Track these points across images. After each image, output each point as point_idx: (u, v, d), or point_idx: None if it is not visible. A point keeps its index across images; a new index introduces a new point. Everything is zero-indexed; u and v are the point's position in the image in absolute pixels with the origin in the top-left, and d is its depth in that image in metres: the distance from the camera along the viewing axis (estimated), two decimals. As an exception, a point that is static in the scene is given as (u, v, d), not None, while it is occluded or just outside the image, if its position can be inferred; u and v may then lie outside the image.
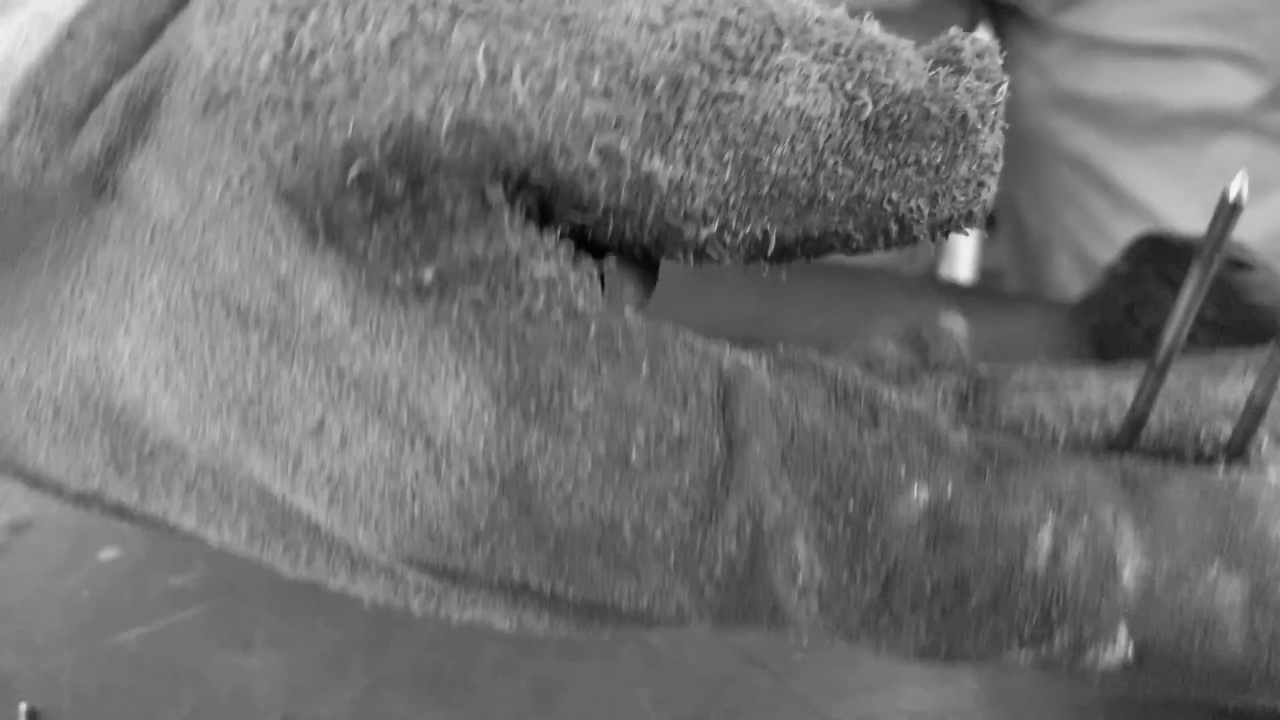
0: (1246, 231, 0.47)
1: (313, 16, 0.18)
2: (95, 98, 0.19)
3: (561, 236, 0.19)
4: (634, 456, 0.17)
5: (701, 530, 0.18)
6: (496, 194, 0.18)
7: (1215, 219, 0.19)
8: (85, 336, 0.19)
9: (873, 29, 0.20)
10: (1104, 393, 0.21)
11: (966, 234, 0.21)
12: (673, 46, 0.18)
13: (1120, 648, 0.18)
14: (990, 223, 1.53)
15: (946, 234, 0.21)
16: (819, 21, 0.19)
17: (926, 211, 0.20)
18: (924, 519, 0.17)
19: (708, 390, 0.18)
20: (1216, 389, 0.20)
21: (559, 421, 0.17)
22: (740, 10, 0.19)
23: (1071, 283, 0.67)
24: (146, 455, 0.19)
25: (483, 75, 0.17)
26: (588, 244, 0.19)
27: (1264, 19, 0.56)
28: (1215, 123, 0.59)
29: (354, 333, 0.17)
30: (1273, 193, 0.60)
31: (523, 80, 0.17)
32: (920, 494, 0.17)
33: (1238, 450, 0.19)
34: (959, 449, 0.18)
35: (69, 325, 0.19)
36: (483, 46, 0.17)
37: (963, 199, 0.20)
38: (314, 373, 0.18)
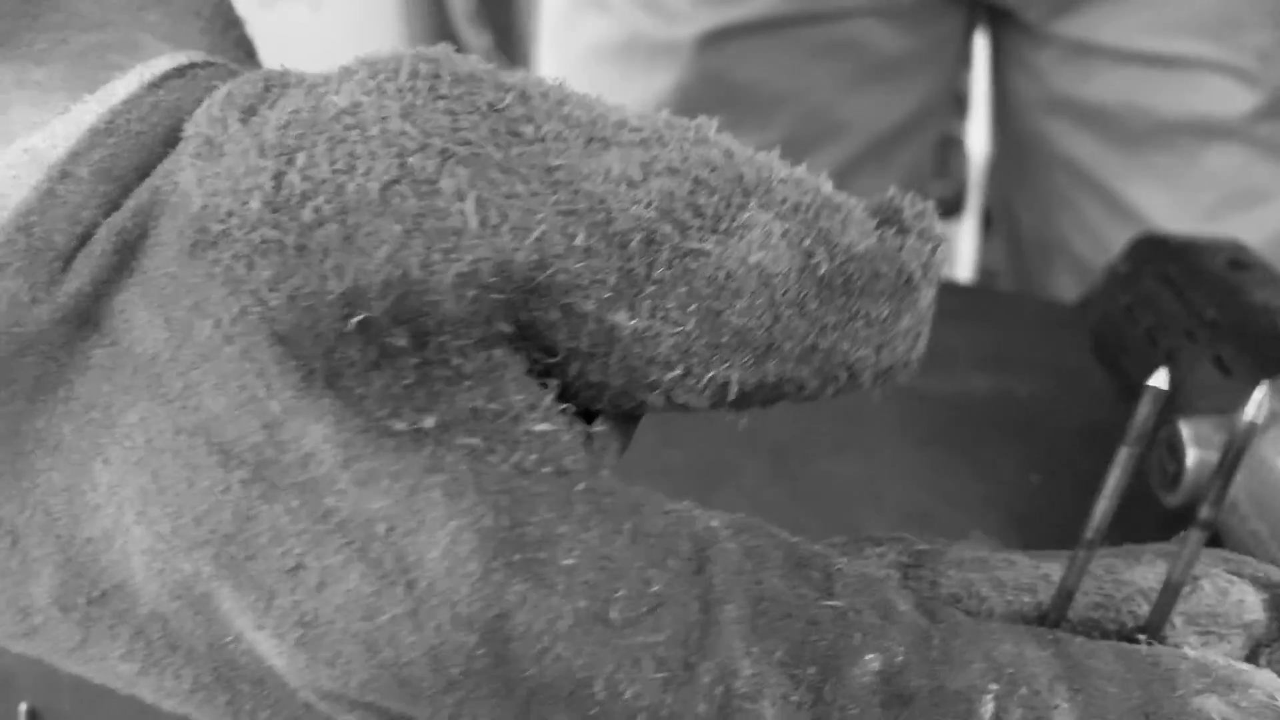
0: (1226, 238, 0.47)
1: (300, 159, 0.18)
2: (85, 237, 0.19)
3: (556, 395, 0.19)
4: (613, 614, 0.18)
5: (674, 691, 0.18)
6: (504, 350, 0.18)
7: (1142, 407, 0.20)
8: (61, 466, 0.19)
9: (828, 187, 0.21)
10: (1033, 571, 0.22)
11: (902, 381, 0.23)
12: (649, 204, 0.19)
13: None
14: (987, 223, 1.53)
15: (886, 382, 0.22)
16: (782, 180, 0.21)
17: (873, 360, 0.21)
18: (878, 684, 0.18)
19: (685, 551, 0.19)
20: (1133, 573, 0.22)
21: (544, 575, 0.18)
22: (712, 169, 0.20)
23: (1065, 285, 0.68)
24: (97, 597, 0.19)
25: (474, 224, 0.18)
26: (574, 400, 0.20)
27: (1257, 32, 0.56)
28: (1208, 132, 0.60)
29: (344, 475, 0.18)
30: (1264, 204, 0.60)
31: (511, 230, 0.18)
32: (873, 661, 0.18)
33: (1156, 628, 0.21)
34: (908, 616, 0.19)
35: (43, 454, 0.19)
36: (473, 195, 0.18)
37: (904, 348, 0.22)
38: (298, 513, 0.18)
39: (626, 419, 0.21)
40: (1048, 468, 0.46)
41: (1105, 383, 0.47)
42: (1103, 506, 0.21)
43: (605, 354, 0.19)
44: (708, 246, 0.19)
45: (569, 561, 0.18)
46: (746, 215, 0.20)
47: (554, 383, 0.19)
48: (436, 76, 0.19)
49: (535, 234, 0.18)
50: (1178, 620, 0.21)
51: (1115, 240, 0.63)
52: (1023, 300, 0.65)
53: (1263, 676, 0.20)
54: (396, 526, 0.18)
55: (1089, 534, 0.21)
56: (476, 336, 0.18)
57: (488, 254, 0.18)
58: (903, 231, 0.21)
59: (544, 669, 0.18)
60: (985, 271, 1.52)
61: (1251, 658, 0.22)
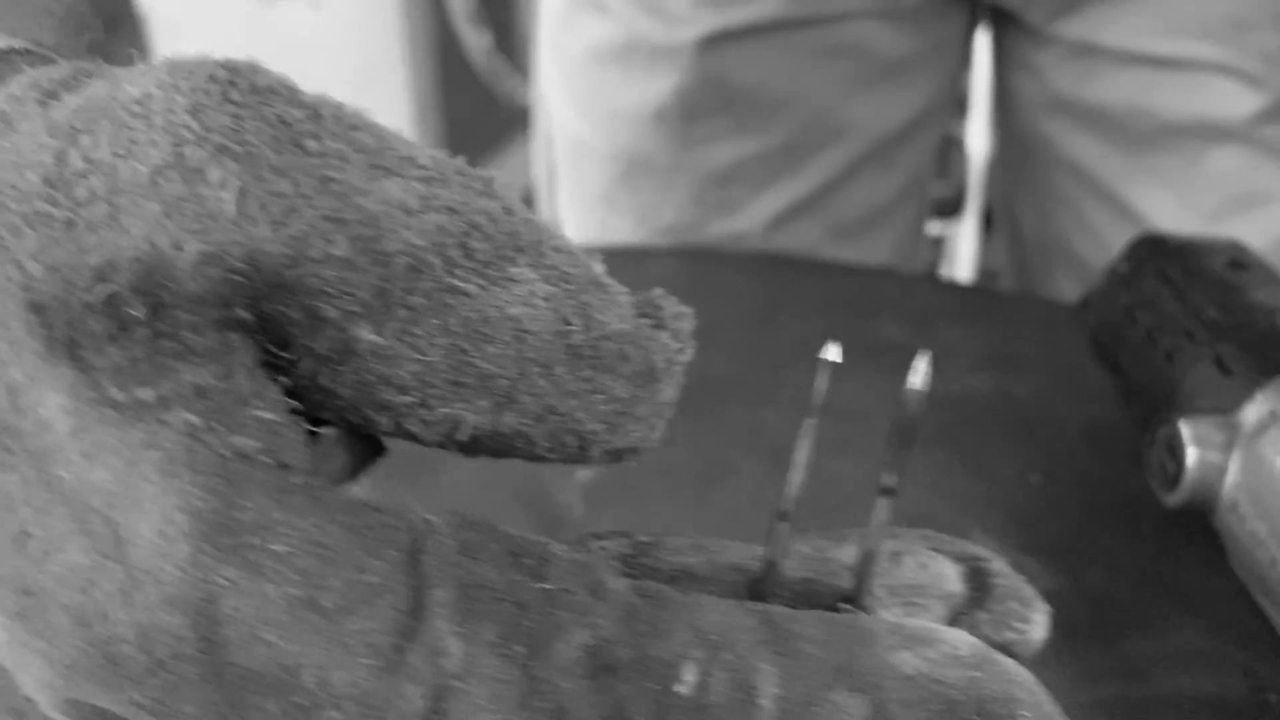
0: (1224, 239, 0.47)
1: (84, 140, 0.19)
2: None
3: (288, 394, 0.20)
4: (326, 602, 0.18)
5: (385, 676, 0.18)
6: (239, 336, 0.19)
7: (818, 379, 0.22)
8: None
9: (600, 269, 0.22)
10: (745, 552, 0.23)
11: (634, 463, 0.24)
12: (421, 232, 0.20)
13: None
14: (987, 223, 1.53)
15: (618, 460, 0.23)
16: (557, 249, 0.21)
17: (604, 436, 0.22)
18: (585, 658, 0.19)
19: (402, 543, 0.19)
20: (839, 551, 0.24)
21: (255, 560, 0.18)
22: (491, 219, 0.21)
23: (1066, 286, 0.67)
24: None
25: (231, 210, 0.18)
26: (305, 405, 0.20)
27: (1261, 34, 0.56)
28: (1211, 135, 0.59)
29: (73, 445, 0.18)
30: (1267, 206, 0.60)
31: (270, 223, 0.19)
32: (580, 636, 0.19)
33: (858, 597, 0.22)
34: (617, 595, 0.20)
35: None
36: (238, 185, 0.18)
37: (637, 434, 0.23)
38: (29, 480, 0.18)
39: (363, 443, 0.22)
40: (1048, 468, 0.46)
41: (1105, 383, 0.47)
42: (794, 478, 0.22)
43: (340, 362, 0.20)
44: (470, 288, 0.20)
45: (281, 548, 0.18)
46: (515, 270, 0.21)
47: (285, 380, 0.20)
48: (232, 84, 0.20)
49: (292, 230, 0.19)
50: (881, 593, 0.23)
51: (1117, 242, 0.63)
52: (1023, 300, 0.65)
53: (953, 634, 0.21)
54: (114, 502, 0.18)
55: (783, 505, 0.22)
56: (212, 317, 0.18)
57: (238, 239, 0.18)
58: (659, 327, 0.23)
59: (253, 655, 0.18)
60: (985, 271, 1.52)
61: (952, 626, 0.23)
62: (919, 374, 0.21)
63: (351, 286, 0.19)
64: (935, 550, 0.24)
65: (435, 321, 0.20)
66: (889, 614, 0.23)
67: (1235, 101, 0.58)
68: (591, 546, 0.23)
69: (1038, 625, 0.24)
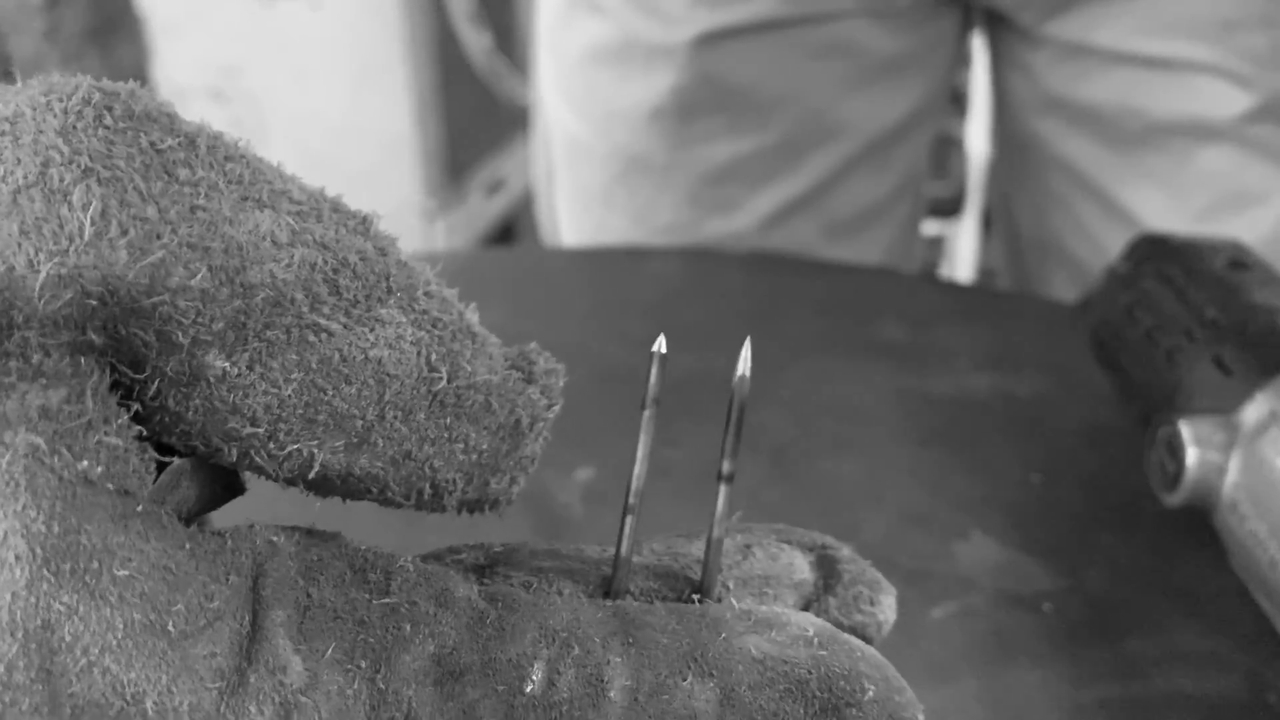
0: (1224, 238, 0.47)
1: None
2: None
3: (136, 421, 0.19)
4: (170, 626, 0.18)
5: (228, 698, 0.18)
6: (90, 360, 0.18)
7: (652, 371, 0.21)
8: None
9: (473, 318, 0.22)
10: (600, 555, 0.24)
11: (499, 515, 0.24)
12: (288, 265, 0.19)
13: None
14: (987, 223, 1.53)
15: (473, 512, 0.23)
16: (428, 294, 0.21)
17: (461, 486, 0.22)
18: (430, 666, 0.20)
19: (246, 567, 0.19)
20: (690, 546, 0.24)
21: (96, 586, 0.18)
22: (363, 259, 0.20)
23: (1060, 285, 0.68)
24: None
25: (89, 232, 0.18)
26: (152, 430, 0.20)
27: (1250, 34, 0.56)
28: (1201, 134, 0.59)
29: None
30: (1257, 205, 0.60)
31: (128, 247, 0.18)
32: (425, 645, 0.20)
33: (708, 588, 0.23)
34: (465, 601, 0.20)
35: None
36: (98, 207, 0.18)
37: (496, 487, 0.23)
38: None
39: (217, 478, 0.21)
40: (1048, 468, 0.46)
41: (1105, 383, 0.47)
42: (636, 471, 0.22)
43: (189, 386, 0.19)
44: (334, 327, 0.20)
45: (123, 573, 0.18)
46: (384, 311, 0.20)
47: (134, 406, 0.19)
48: (108, 109, 0.19)
49: (152, 257, 0.18)
50: (733, 584, 0.23)
51: (1110, 241, 0.63)
52: (1023, 300, 0.65)
53: (799, 616, 0.22)
54: None
55: (630, 499, 0.22)
56: (64, 340, 0.18)
57: (95, 264, 0.18)
58: (529, 381, 0.23)
59: (93, 684, 0.18)
60: (985, 271, 1.52)
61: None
62: (744, 361, 0.21)
63: (207, 316, 0.19)
64: (785, 541, 0.25)
65: (293, 356, 0.19)
66: (740, 600, 0.23)
67: (1225, 101, 0.58)
68: (446, 559, 0.23)
69: (886, 607, 0.25)
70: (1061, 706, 0.36)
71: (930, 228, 1.54)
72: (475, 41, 1.75)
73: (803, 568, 0.24)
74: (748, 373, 0.21)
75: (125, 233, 0.18)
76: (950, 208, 1.50)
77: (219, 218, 0.19)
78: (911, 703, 0.21)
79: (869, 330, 0.57)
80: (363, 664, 0.19)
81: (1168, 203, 0.61)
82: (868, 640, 0.24)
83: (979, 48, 0.71)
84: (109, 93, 0.20)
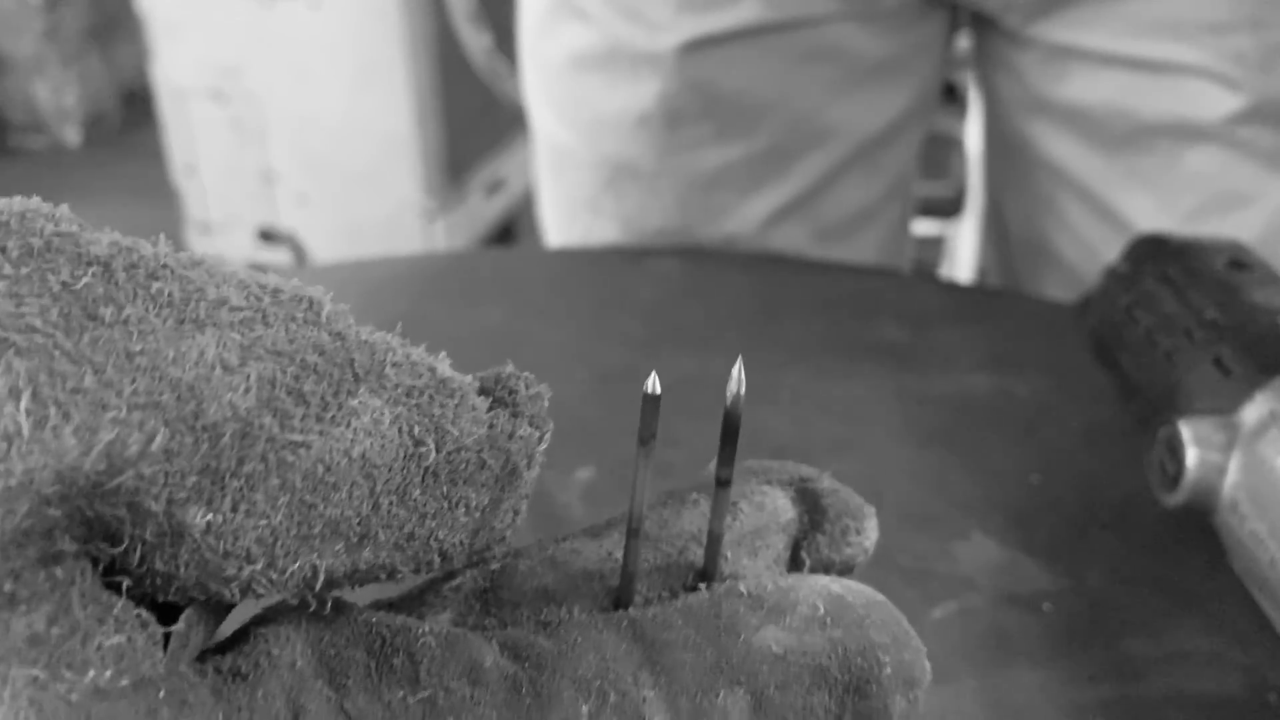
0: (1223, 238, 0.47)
1: None
2: None
3: (128, 597, 0.18)
4: None
5: None
6: (67, 566, 0.17)
7: (643, 411, 0.21)
8: None
9: (444, 368, 0.21)
10: (598, 553, 0.23)
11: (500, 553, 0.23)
12: (247, 390, 0.18)
13: None
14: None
15: (478, 561, 0.22)
16: (395, 365, 0.20)
17: (467, 545, 0.21)
18: None
19: (283, 713, 0.18)
20: (681, 521, 0.24)
21: None
22: (321, 353, 0.19)
23: (1050, 285, 0.68)
24: None
25: (27, 427, 0.16)
26: (143, 587, 0.19)
27: (1236, 37, 0.56)
28: (1189, 135, 0.60)
29: None
30: (1245, 207, 0.60)
31: (74, 432, 0.16)
32: None
33: (711, 575, 0.23)
34: (495, 672, 0.20)
35: None
36: (29, 392, 0.16)
37: (500, 526, 0.22)
38: None
39: (214, 609, 0.20)
40: (1048, 468, 0.46)
41: (1105, 383, 0.47)
42: (637, 498, 0.22)
43: (174, 545, 0.18)
44: (310, 438, 0.18)
45: None
46: (355, 401, 0.19)
47: (124, 582, 0.18)
48: (3, 250, 0.17)
49: (106, 438, 0.16)
50: (729, 551, 0.24)
51: (1098, 242, 0.63)
52: (1023, 300, 0.65)
53: (805, 588, 0.22)
54: None
55: (633, 524, 0.22)
56: (34, 557, 0.16)
57: (45, 462, 0.16)
58: (515, 415, 0.21)
59: None
60: (985, 271, 1.52)
61: (795, 557, 0.25)
62: (737, 380, 0.22)
63: (177, 474, 0.17)
64: (766, 482, 0.25)
65: (275, 482, 0.18)
66: (740, 567, 0.23)
67: (1212, 102, 0.58)
68: (446, 592, 0.22)
69: (870, 531, 0.25)
70: (1061, 707, 0.36)
71: (930, 228, 1.54)
72: (475, 41, 1.75)
73: (786, 508, 0.25)
74: (742, 390, 0.22)
75: (68, 416, 0.16)
76: (950, 208, 1.49)
77: (160, 359, 0.17)
78: (919, 654, 0.22)
79: (868, 330, 0.57)
80: None
81: (1156, 204, 0.61)
82: (853, 567, 0.25)
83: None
84: (0, 225, 0.18)
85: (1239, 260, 0.44)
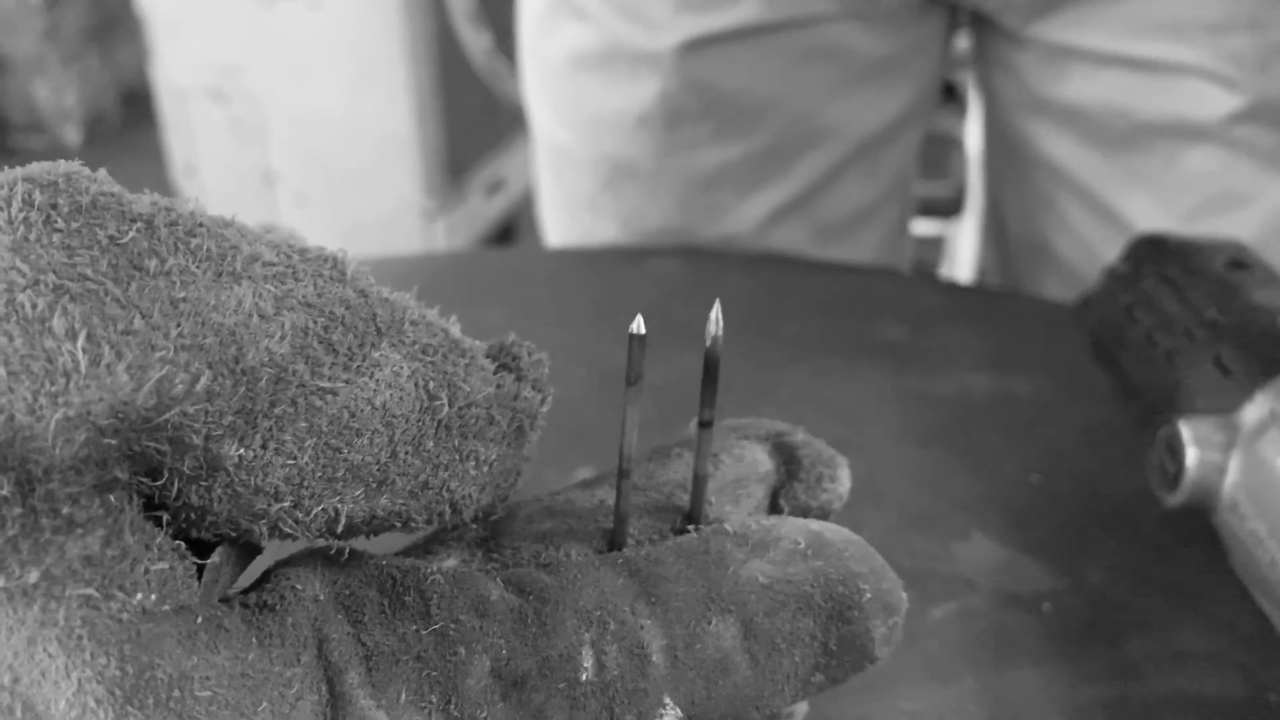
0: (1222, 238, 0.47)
1: None
2: None
3: (168, 532, 0.19)
4: None
5: None
6: (119, 494, 0.18)
7: (630, 350, 0.23)
8: None
9: (456, 330, 0.22)
10: (590, 502, 0.25)
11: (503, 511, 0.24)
12: (282, 338, 0.19)
13: (671, 712, 0.21)
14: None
15: (487, 516, 0.24)
16: (413, 323, 0.21)
17: (476, 498, 0.22)
18: (493, 682, 0.20)
19: (310, 640, 0.20)
20: (667, 472, 0.26)
21: (182, 712, 0.18)
22: (347, 307, 0.20)
23: (1049, 285, 0.68)
24: None
25: (84, 364, 0.17)
26: (180, 524, 0.20)
27: (1234, 37, 0.56)
28: (1187, 135, 0.59)
29: None
30: (1244, 205, 0.60)
31: (127, 370, 0.17)
32: (482, 662, 0.20)
33: (698, 516, 0.24)
34: (501, 605, 0.21)
35: None
36: (84, 333, 0.17)
37: (505, 486, 0.23)
38: None
39: (242, 550, 0.21)
40: (1047, 468, 0.46)
41: (1105, 383, 0.47)
42: (629, 440, 0.23)
43: (209, 478, 0.19)
44: (337, 385, 0.20)
45: (205, 693, 0.18)
46: (378, 354, 0.20)
47: (165, 516, 0.19)
48: (54, 207, 0.18)
49: (156, 375, 0.18)
50: (713, 498, 0.25)
51: (1098, 242, 0.63)
52: (1023, 300, 0.65)
53: (787, 526, 0.23)
54: (21, 677, 0.17)
55: (623, 464, 0.23)
56: (89, 483, 0.17)
57: (100, 396, 0.17)
58: (519, 379, 0.23)
59: None
60: (985, 271, 1.51)
61: (774, 506, 0.26)
62: (713, 322, 0.23)
63: (217, 412, 0.18)
64: (744, 438, 0.27)
65: (303, 424, 0.19)
66: (725, 514, 0.25)
67: (1211, 102, 0.58)
68: (449, 541, 0.24)
69: (843, 479, 0.27)
70: (1061, 706, 0.36)
71: (930, 228, 1.54)
72: (475, 41, 1.75)
73: (764, 460, 0.26)
74: (720, 332, 0.23)
75: (120, 355, 0.17)
76: (950, 208, 1.49)
77: (203, 306, 0.18)
78: (896, 584, 0.23)
79: (869, 330, 0.57)
80: (434, 698, 0.20)
81: (1155, 204, 0.61)
82: (831, 512, 0.26)
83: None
84: (46, 185, 0.18)
85: (1239, 260, 0.44)
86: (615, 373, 0.51)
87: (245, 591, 0.21)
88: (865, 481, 0.48)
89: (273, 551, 0.22)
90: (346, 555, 0.22)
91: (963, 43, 0.71)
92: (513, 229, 2.09)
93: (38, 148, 2.78)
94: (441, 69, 1.76)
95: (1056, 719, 0.35)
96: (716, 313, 0.23)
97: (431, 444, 0.21)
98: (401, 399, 0.20)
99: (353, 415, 0.20)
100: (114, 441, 0.17)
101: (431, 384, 0.21)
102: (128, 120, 2.81)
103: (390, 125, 1.75)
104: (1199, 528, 0.39)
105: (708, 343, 0.23)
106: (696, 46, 0.62)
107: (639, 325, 0.22)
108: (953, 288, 0.68)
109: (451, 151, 1.81)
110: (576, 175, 0.69)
